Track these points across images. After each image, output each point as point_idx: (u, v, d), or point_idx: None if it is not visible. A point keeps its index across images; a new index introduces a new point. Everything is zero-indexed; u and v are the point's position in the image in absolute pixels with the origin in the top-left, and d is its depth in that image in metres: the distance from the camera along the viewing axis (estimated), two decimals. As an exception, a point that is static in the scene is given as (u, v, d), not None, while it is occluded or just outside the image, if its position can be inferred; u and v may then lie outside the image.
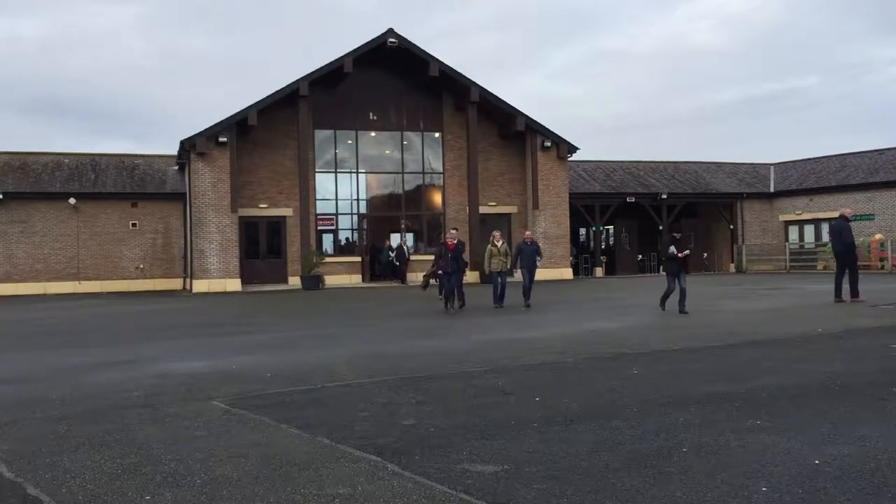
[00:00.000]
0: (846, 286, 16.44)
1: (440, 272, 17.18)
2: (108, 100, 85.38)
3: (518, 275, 19.56)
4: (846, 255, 16.87)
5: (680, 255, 15.22)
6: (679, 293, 15.10)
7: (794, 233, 38.54)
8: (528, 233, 20.00)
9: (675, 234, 15.97)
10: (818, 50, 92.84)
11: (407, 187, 32.77)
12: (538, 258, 18.38)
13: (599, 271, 36.06)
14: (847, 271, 16.73)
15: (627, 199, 35.95)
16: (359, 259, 31.80)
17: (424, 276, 20.52)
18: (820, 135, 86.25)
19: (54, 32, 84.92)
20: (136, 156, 34.40)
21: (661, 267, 16.20)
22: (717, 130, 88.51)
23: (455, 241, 17.47)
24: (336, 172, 31.73)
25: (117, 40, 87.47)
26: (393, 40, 29.65)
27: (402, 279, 29.95)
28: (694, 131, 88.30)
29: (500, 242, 18.12)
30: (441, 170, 32.69)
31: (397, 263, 30.51)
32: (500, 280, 17.79)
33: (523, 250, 18.10)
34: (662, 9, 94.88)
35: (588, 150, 71.37)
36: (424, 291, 20.77)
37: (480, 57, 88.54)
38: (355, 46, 29.66)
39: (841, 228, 16.88)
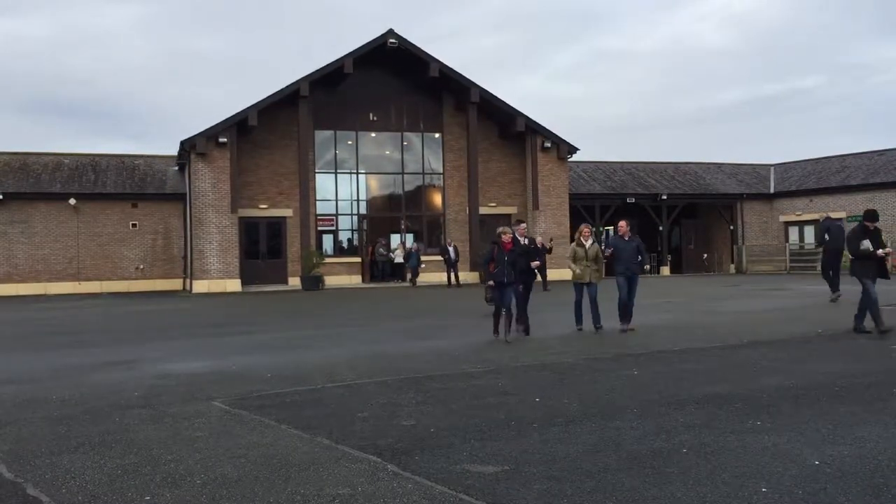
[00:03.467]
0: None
1: (489, 283, 11.91)
2: (109, 100, 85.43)
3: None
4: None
5: (880, 253, 11.17)
6: (867, 301, 11.30)
7: (794, 234, 38.52)
8: (623, 223, 13.25)
9: (867, 224, 11.45)
10: (823, 50, 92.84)
11: (407, 188, 32.76)
12: (640, 260, 12.96)
13: (599, 272, 36.07)
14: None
15: (627, 200, 35.94)
16: (359, 260, 31.78)
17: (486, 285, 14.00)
18: (824, 135, 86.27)
19: (55, 32, 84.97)
20: (136, 156, 34.39)
21: (850, 269, 11.66)
22: (720, 131, 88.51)
23: (520, 239, 12.63)
24: (336, 173, 31.72)
25: (119, 40, 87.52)
26: (393, 41, 29.65)
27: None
28: (697, 132, 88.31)
29: (590, 241, 12.86)
30: (441, 170, 32.69)
31: (453, 261, 29.16)
32: (587, 293, 12.80)
33: (619, 248, 12.73)
34: (666, 9, 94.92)
35: (590, 151, 71.37)
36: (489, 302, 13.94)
37: (483, 57, 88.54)
38: (356, 47, 29.68)
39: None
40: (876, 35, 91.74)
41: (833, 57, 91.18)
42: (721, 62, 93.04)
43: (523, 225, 13.71)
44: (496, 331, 11.67)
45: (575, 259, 12.80)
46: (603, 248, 13.64)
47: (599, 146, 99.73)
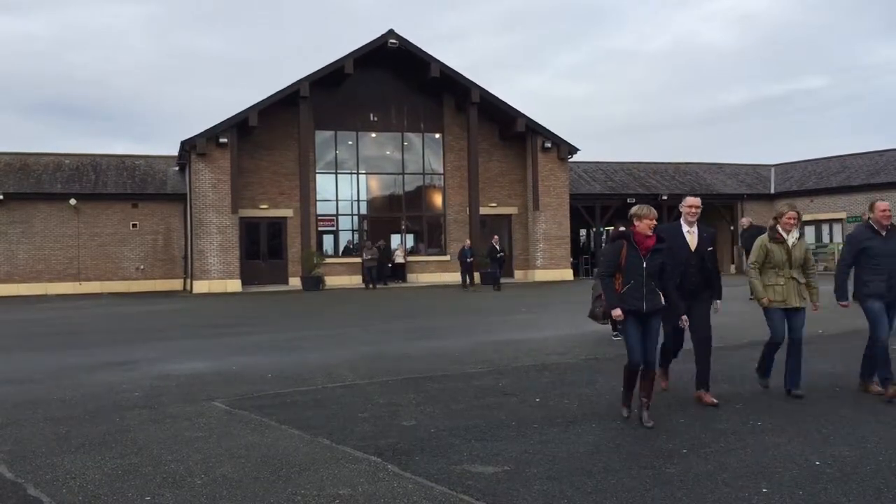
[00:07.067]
0: None
1: (614, 312, 6.21)
2: (113, 101, 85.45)
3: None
4: None
5: None
6: None
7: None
8: (883, 204, 7.32)
9: None
10: (828, 50, 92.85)
11: (407, 188, 32.75)
12: None
13: (600, 272, 36.06)
14: None
15: (628, 200, 35.88)
16: (359, 260, 31.75)
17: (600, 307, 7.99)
18: (828, 136, 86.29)
19: (56, 32, 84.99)
20: (136, 156, 34.39)
21: None
22: (723, 131, 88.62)
23: (686, 228, 7.18)
24: (337, 173, 31.72)
25: (122, 40, 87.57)
26: (394, 41, 29.66)
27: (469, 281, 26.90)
28: (700, 132, 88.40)
29: (795, 234, 7.29)
30: (441, 171, 32.69)
31: (499, 258, 27.39)
32: (788, 322, 7.32)
33: (876, 252, 7.23)
34: (671, 8, 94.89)
35: (593, 151, 71.51)
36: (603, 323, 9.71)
37: (488, 57, 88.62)
38: (357, 47, 29.68)
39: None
40: (881, 35, 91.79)
41: (838, 57, 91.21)
42: (725, 62, 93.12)
43: (693, 207, 7.19)
44: (626, 401, 6.50)
45: (767, 264, 7.25)
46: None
47: (603, 146, 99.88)
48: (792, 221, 7.21)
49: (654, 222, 6.31)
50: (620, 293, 6.20)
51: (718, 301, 7.23)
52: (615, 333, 11.02)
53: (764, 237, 7.34)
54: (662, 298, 6.30)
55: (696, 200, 7.23)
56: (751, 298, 7.35)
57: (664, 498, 4.42)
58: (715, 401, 6.81)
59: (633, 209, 6.43)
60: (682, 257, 6.89)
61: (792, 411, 6.57)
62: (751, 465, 5.00)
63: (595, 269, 37.03)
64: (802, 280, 7.25)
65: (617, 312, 6.15)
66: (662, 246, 6.32)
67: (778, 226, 7.25)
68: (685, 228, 7.14)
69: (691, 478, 4.77)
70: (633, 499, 4.43)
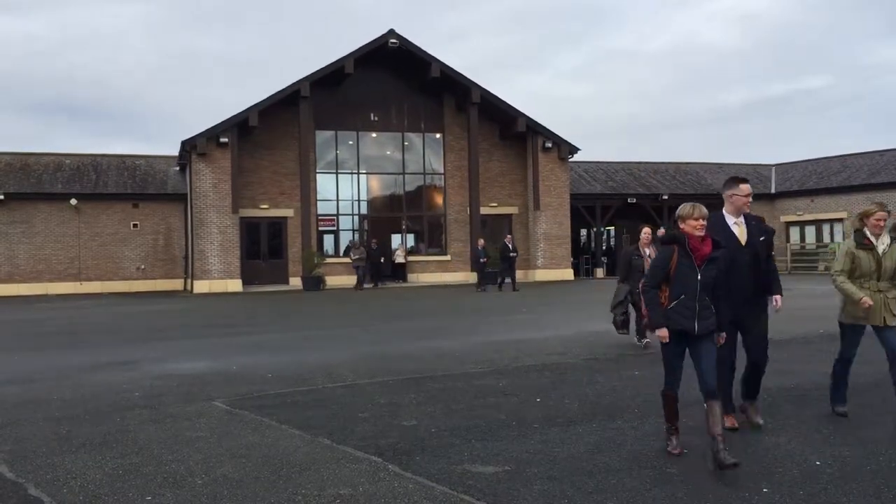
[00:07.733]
0: None
1: (660, 332, 5.25)
2: (115, 101, 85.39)
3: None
4: None
5: None
6: None
7: (795, 234, 38.52)
8: None
9: None
10: (830, 50, 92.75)
11: (408, 188, 32.76)
12: None
13: (600, 272, 36.04)
14: None
15: (628, 200, 35.93)
16: (359, 260, 31.74)
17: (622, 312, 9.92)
18: (830, 136, 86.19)
19: (58, 33, 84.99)
20: (137, 156, 34.41)
21: None
22: (725, 131, 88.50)
23: (733, 225, 6.02)
24: (337, 173, 31.73)
25: (123, 40, 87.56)
26: (394, 41, 29.66)
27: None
28: (702, 132, 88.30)
29: (886, 238, 6.25)
30: (442, 170, 32.69)
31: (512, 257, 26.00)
32: (883, 341, 6.50)
33: None
34: (672, 8, 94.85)
35: (596, 151, 71.51)
36: (621, 333, 11.06)
37: (489, 58, 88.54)
38: (357, 47, 29.69)
39: None
40: (882, 35, 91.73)
41: (839, 57, 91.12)
42: (726, 62, 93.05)
43: (746, 188, 6.04)
44: (669, 433, 5.47)
45: (853, 272, 6.25)
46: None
47: (603, 146, 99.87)
48: (881, 224, 6.14)
49: (702, 222, 5.19)
50: (667, 309, 5.21)
51: (779, 297, 6.25)
52: (633, 336, 10.92)
53: (850, 242, 6.30)
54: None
55: (750, 188, 6.02)
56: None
57: (665, 498, 4.42)
58: (761, 421, 6.08)
59: (684, 208, 5.30)
60: (730, 254, 5.65)
61: (792, 411, 6.57)
62: (752, 465, 5.00)
63: (595, 268, 37.00)
64: (892, 295, 6.19)
65: (663, 333, 5.20)
66: (719, 254, 5.28)
67: (865, 229, 6.21)
68: (731, 220, 5.98)
69: (692, 478, 4.78)
70: (633, 499, 4.43)
